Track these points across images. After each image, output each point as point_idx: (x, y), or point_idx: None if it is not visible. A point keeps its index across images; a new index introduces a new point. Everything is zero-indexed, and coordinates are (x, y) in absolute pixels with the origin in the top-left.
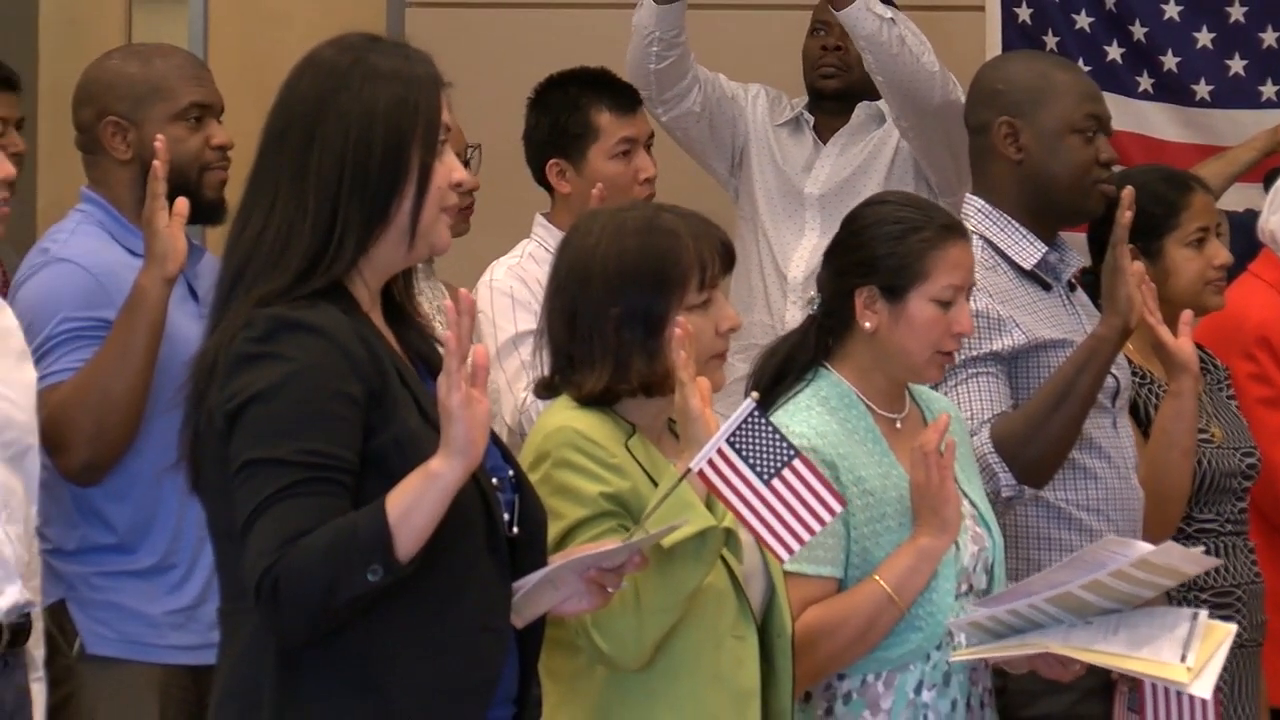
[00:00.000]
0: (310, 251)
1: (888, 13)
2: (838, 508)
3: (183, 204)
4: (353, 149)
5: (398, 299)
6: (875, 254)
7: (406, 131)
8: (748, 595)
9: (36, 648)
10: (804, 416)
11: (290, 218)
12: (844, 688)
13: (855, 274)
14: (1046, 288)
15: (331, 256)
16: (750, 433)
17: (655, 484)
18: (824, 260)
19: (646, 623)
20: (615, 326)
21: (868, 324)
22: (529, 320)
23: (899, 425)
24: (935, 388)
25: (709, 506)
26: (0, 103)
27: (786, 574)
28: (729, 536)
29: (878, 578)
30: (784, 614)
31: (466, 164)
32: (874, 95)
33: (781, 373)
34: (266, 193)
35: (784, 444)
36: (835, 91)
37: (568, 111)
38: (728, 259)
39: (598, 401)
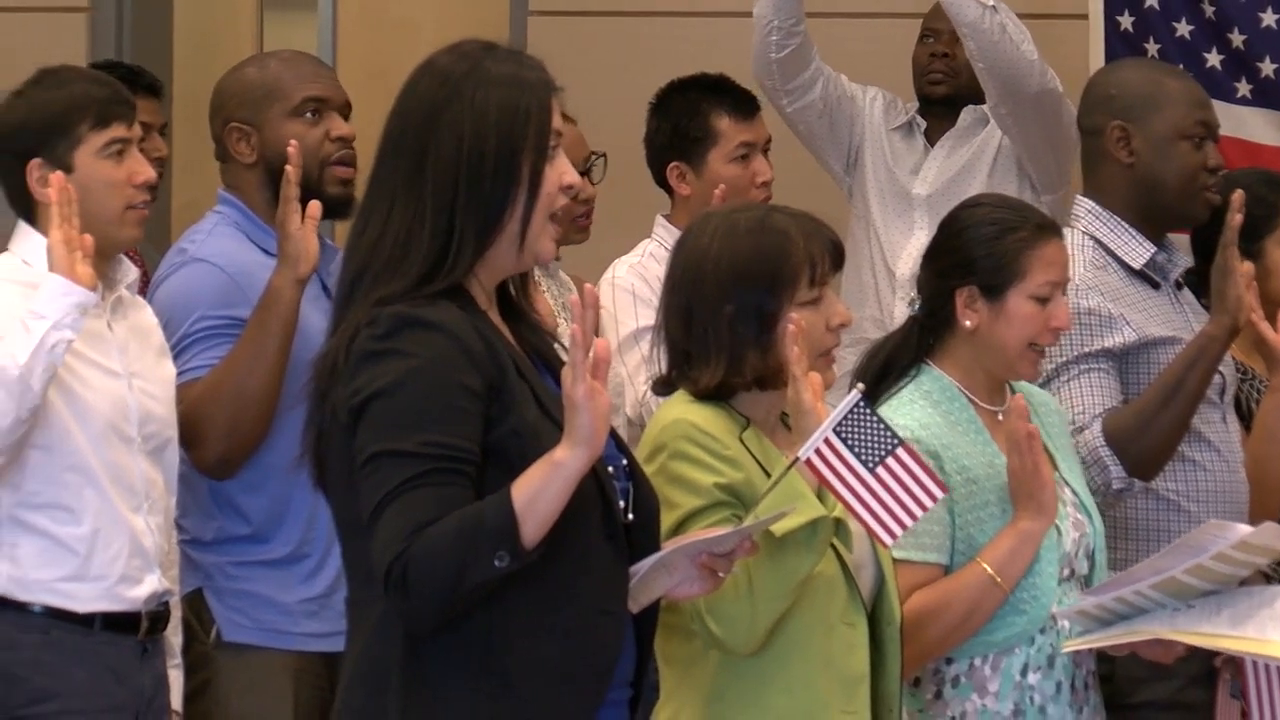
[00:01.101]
0: (429, 259)
1: (990, 1)
2: (939, 494)
3: (315, 207)
4: (467, 157)
5: (514, 297)
6: (974, 255)
7: (518, 137)
8: (858, 583)
9: (174, 635)
10: (908, 410)
11: (408, 224)
12: (951, 671)
13: (955, 275)
14: (1155, 286)
15: (450, 264)
16: (856, 422)
17: (768, 475)
18: (923, 262)
19: (759, 609)
20: (729, 323)
21: (968, 322)
22: (650, 316)
23: (1000, 417)
24: (1046, 383)
25: (820, 497)
26: (144, 109)
27: (894, 561)
28: (839, 526)
29: (981, 561)
30: (893, 602)
31: (588, 171)
32: (980, 99)
33: (885, 371)
34: (384, 197)
35: (888, 433)
36: (943, 97)
37: (688, 116)
38: (837, 257)
39: (713, 396)
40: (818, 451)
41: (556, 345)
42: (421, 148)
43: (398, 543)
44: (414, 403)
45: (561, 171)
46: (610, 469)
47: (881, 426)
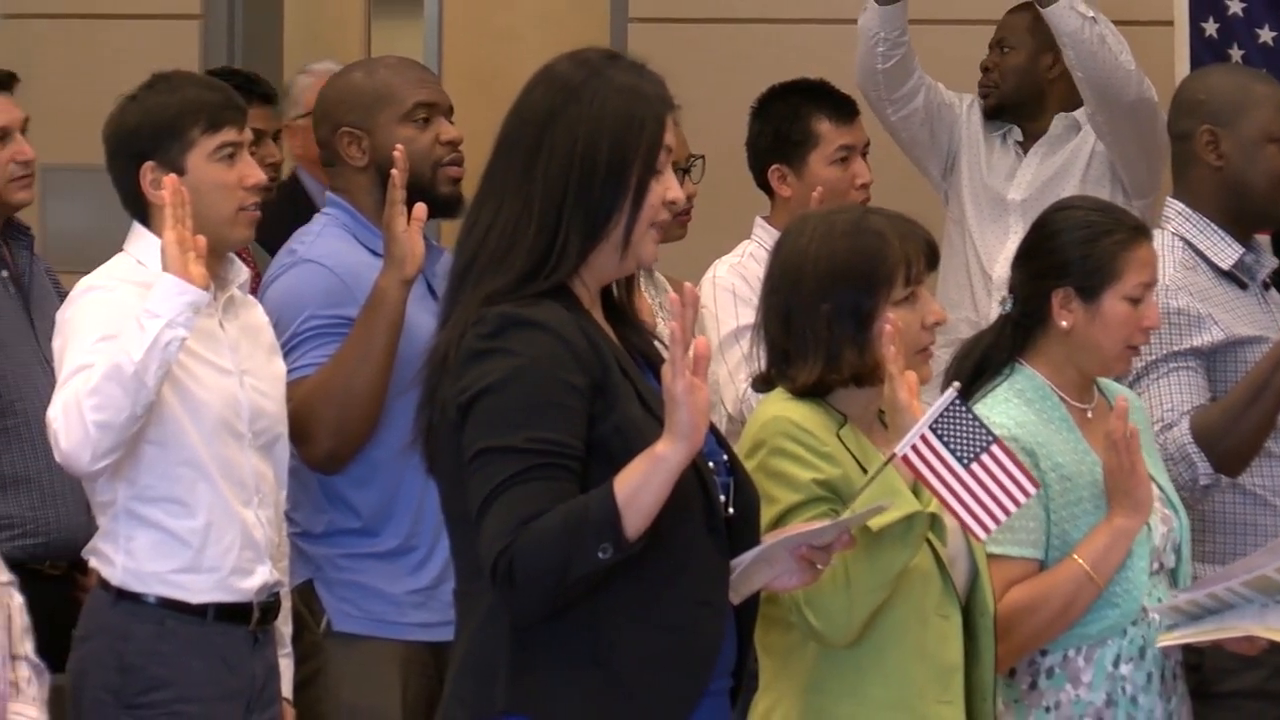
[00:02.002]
0: (535, 254)
1: (1089, 12)
2: (1032, 490)
3: (421, 209)
4: (579, 159)
5: (617, 298)
6: (1069, 257)
7: (630, 148)
8: (952, 576)
9: (285, 625)
10: (1003, 408)
11: (516, 218)
12: (1046, 663)
13: (1051, 276)
14: (1243, 287)
15: (554, 263)
16: (952, 420)
17: (865, 471)
18: (1015, 263)
19: (856, 601)
20: (827, 322)
21: (1064, 323)
22: (750, 315)
23: (1089, 415)
24: (1135, 381)
25: (915, 492)
26: (258, 116)
27: (990, 556)
28: (934, 521)
29: (1076, 557)
30: (987, 594)
31: (688, 172)
32: (1028, 105)
33: (979, 370)
34: (495, 193)
35: (983, 430)
36: (991, 109)
37: (790, 120)
38: (932, 258)
39: (811, 393)
40: (914, 448)
41: (657, 344)
42: (536, 147)
43: (504, 536)
44: (519, 400)
45: (667, 186)
46: (711, 464)
47: (976, 424)
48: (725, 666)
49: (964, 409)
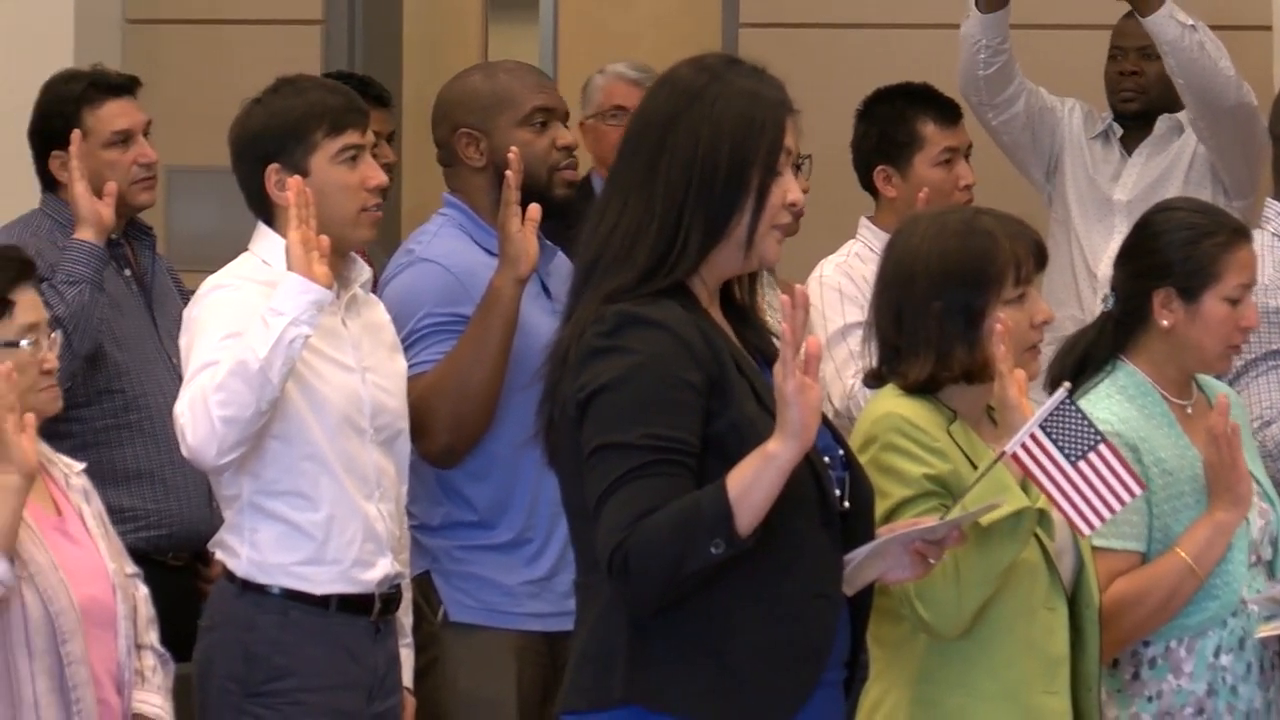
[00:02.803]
0: (656, 252)
1: (1188, 20)
2: (1138, 490)
3: (535, 210)
4: (700, 161)
5: (738, 297)
6: (1171, 258)
7: (750, 150)
8: (1059, 570)
9: (405, 615)
10: (1106, 404)
11: (639, 219)
12: (1149, 654)
13: (1152, 276)
14: None
15: (674, 261)
16: (1061, 419)
17: (975, 467)
18: (1117, 262)
19: (965, 594)
20: (938, 320)
21: (1165, 322)
22: (856, 313)
23: (1189, 411)
24: (1234, 379)
25: (1024, 489)
26: (374, 118)
27: (1094, 549)
28: (1042, 516)
29: (1179, 550)
30: (1092, 587)
31: (799, 169)
32: (1173, 108)
33: (1080, 366)
34: (620, 194)
35: (1091, 430)
36: (1135, 113)
37: (895, 122)
38: (1040, 258)
39: (922, 390)
40: (1024, 446)
41: (776, 342)
42: (658, 148)
43: (620, 531)
44: (636, 397)
45: (787, 188)
46: (828, 459)
47: (1085, 424)
48: (839, 658)
49: (1074, 408)
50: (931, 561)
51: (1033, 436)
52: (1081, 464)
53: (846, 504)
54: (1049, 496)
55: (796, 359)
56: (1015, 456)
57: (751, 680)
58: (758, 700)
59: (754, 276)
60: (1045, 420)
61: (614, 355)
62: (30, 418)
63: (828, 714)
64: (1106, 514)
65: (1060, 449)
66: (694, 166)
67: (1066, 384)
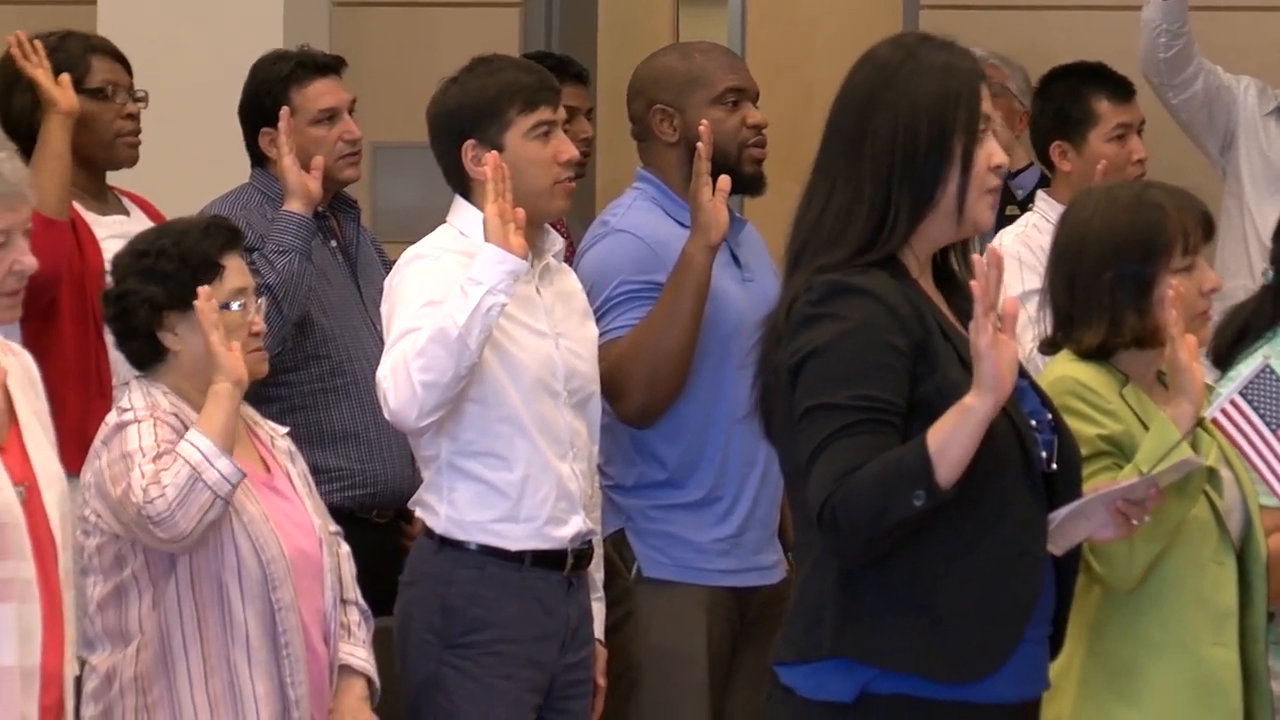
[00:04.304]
0: (867, 231)
1: None
2: None
3: (725, 181)
4: (901, 138)
5: (948, 265)
6: None
7: (949, 121)
8: (1228, 526)
9: (597, 571)
10: None
11: (848, 201)
12: None
13: None
14: None
15: (886, 236)
16: (1262, 387)
17: (1146, 428)
18: (1275, 236)
19: (1138, 550)
20: (1110, 288)
21: None
22: (1033, 280)
23: None
24: None
25: (1193, 448)
26: (572, 95)
27: (1260, 507)
28: (1211, 474)
29: None
30: (1260, 543)
31: None
32: None
33: (1241, 334)
34: (826, 177)
35: None
36: None
37: (1071, 100)
38: (1207, 228)
39: (1095, 355)
40: (1224, 411)
41: None
42: (860, 130)
43: (828, 486)
44: (845, 360)
45: (990, 153)
46: (1035, 423)
47: None
48: (1044, 615)
49: (1273, 376)
50: (1134, 522)
51: (1233, 402)
52: None
53: (1053, 466)
54: (1249, 461)
55: (990, 315)
56: (1215, 421)
57: (957, 635)
58: (962, 654)
59: (965, 243)
60: (1245, 387)
61: (825, 322)
62: (235, 342)
63: (1031, 670)
64: None
65: (1261, 416)
66: (896, 143)
67: (1265, 352)
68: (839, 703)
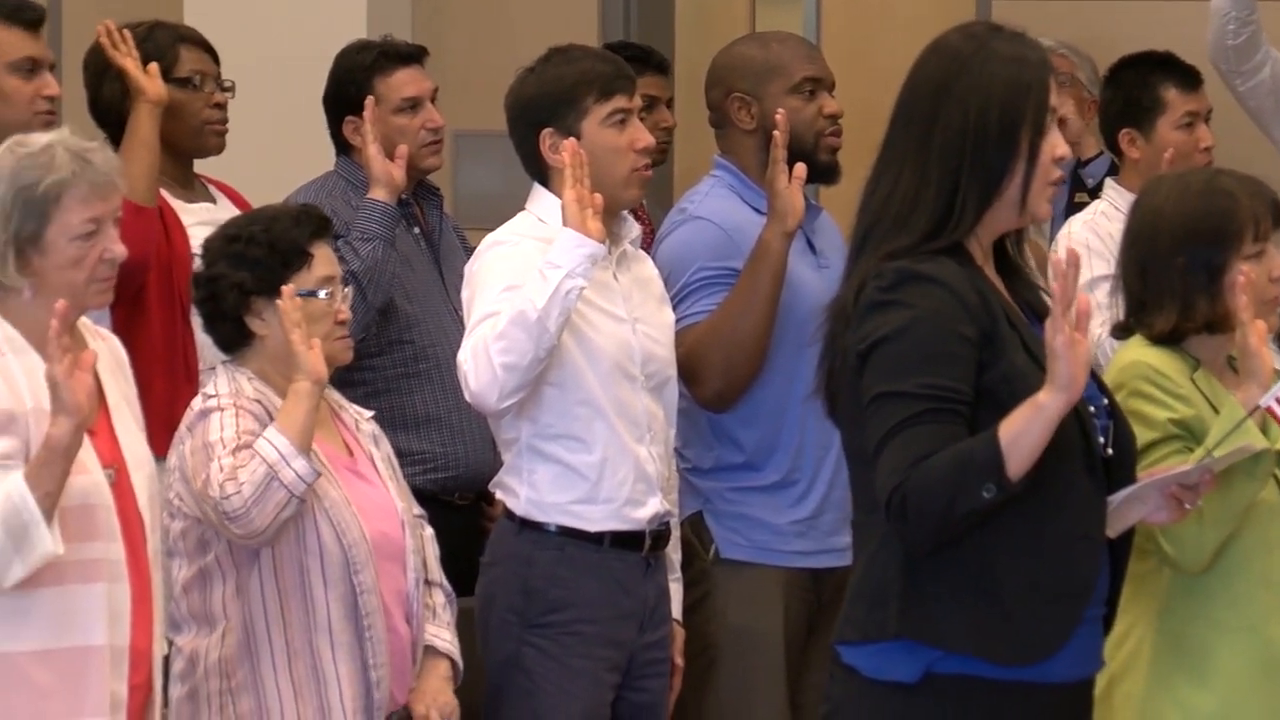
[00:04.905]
0: (934, 217)
1: None
2: None
3: (801, 169)
4: (972, 127)
5: (1010, 254)
6: None
7: (1019, 112)
8: None
9: (674, 551)
10: None
11: (916, 186)
12: None
13: None
14: None
15: (954, 223)
16: None
17: (1216, 412)
18: None
19: (1207, 532)
20: (1181, 274)
21: None
22: (1103, 267)
23: None
24: None
25: (1264, 431)
26: (653, 84)
27: None
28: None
29: None
30: None
31: None
32: None
33: None
34: (895, 160)
35: None
36: None
37: (1139, 88)
38: (1278, 216)
39: (1166, 340)
40: (1278, 399)
41: (1044, 297)
42: (931, 117)
43: (898, 474)
44: (914, 348)
45: (1055, 145)
46: (1092, 409)
47: None
48: (1100, 596)
49: None
50: (1187, 506)
51: None
52: None
53: (1109, 450)
54: None
55: (1067, 315)
56: (1270, 410)
57: (1019, 616)
58: (1025, 635)
59: (1020, 232)
60: None
61: (894, 309)
62: (316, 340)
63: (1088, 648)
64: None
65: None
66: (966, 133)
67: None
68: (903, 683)
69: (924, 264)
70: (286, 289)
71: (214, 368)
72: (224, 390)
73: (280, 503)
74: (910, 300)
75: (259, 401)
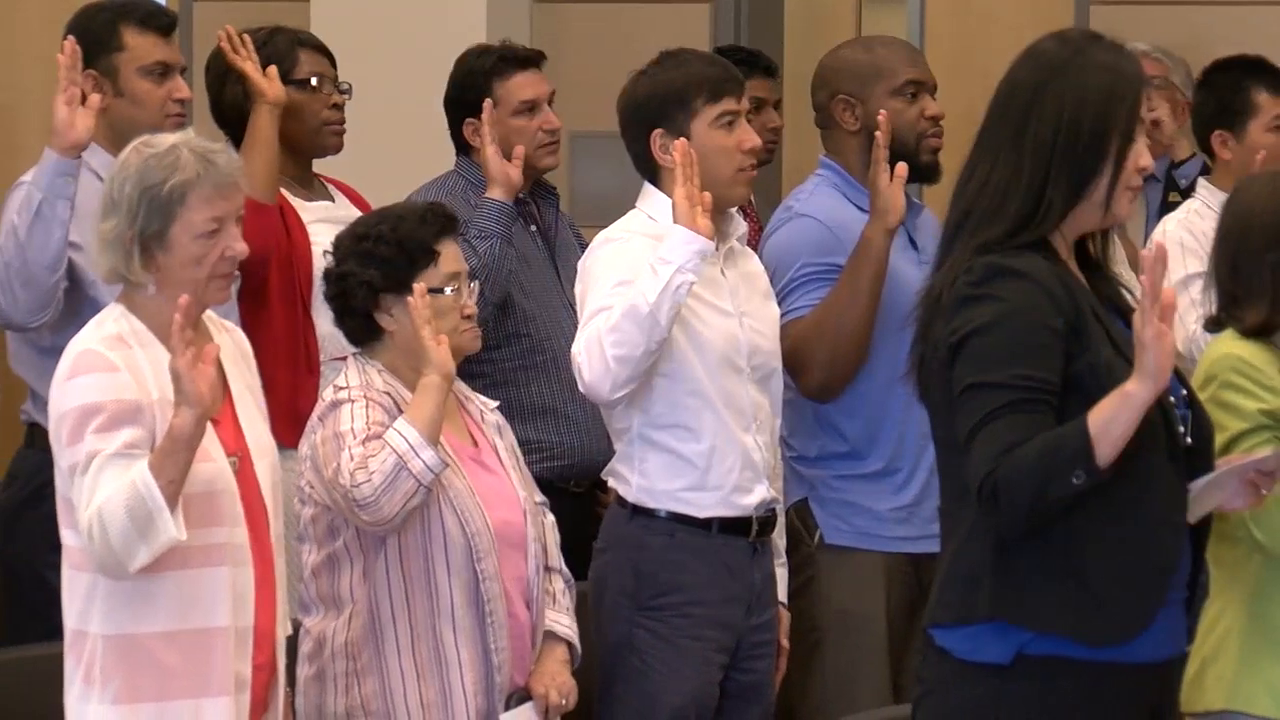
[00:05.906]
0: (1024, 210)
1: None
2: None
3: (902, 168)
4: (1065, 128)
5: (1092, 251)
6: None
7: (1111, 119)
8: None
9: (779, 537)
10: None
11: (1007, 179)
12: None
13: None
14: None
15: (1040, 219)
16: None
17: None
18: None
19: None
20: (1272, 270)
21: None
22: (1196, 264)
23: None
24: None
25: None
26: (762, 87)
27: None
28: None
29: None
30: None
31: None
32: None
33: None
34: (989, 154)
35: None
36: None
37: (1231, 91)
38: None
39: (1258, 333)
40: None
41: (1125, 293)
42: (1025, 115)
43: (989, 462)
44: (1004, 340)
45: (1139, 154)
46: (1173, 399)
47: None
48: (1182, 579)
49: None
50: (1264, 492)
51: None
52: None
53: (1189, 440)
54: None
55: (1155, 308)
56: None
57: (1107, 598)
58: (1110, 617)
59: (1106, 232)
60: None
61: (984, 302)
62: (443, 335)
63: (1172, 629)
64: None
65: None
66: (1059, 133)
67: None
68: (996, 664)
69: (1012, 259)
70: (418, 287)
71: (335, 360)
72: (354, 382)
73: (408, 492)
74: (1000, 294)
75: (388, 394)
